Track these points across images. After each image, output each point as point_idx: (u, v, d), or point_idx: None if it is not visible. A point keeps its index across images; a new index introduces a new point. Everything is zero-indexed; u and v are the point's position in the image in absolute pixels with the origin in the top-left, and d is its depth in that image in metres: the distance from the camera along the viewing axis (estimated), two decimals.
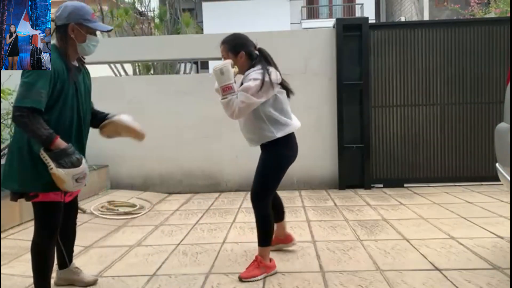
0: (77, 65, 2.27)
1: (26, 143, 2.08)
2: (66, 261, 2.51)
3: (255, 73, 2.46)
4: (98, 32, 2.25)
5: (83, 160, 2.11)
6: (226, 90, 2.41)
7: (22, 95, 1.97)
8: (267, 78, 2.42)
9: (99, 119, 2.44)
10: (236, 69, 2.51)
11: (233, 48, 2.54)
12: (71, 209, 2.44)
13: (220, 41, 2.61)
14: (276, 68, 2.57)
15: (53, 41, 2.14)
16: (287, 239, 3.05)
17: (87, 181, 2.14)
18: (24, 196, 2.12)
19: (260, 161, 2.65)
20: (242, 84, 2.50)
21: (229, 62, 2.46)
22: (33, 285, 2.25)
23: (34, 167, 2.07)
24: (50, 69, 2.02)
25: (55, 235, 2.20)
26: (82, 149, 2.26)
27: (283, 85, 2.59)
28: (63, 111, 2.12)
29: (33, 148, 2.06)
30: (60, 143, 2.01)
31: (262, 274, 2.58)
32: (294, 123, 2.63)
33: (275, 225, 2.86)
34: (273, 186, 2.66)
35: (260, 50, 2.60)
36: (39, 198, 2.11)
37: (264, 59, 2.56)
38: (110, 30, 2.31)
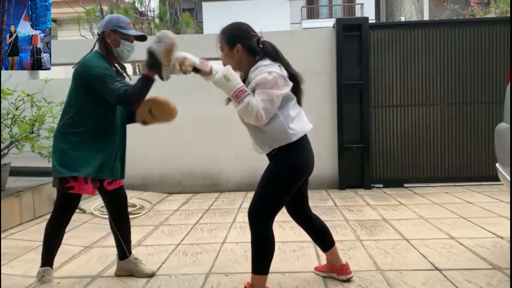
0: (117, 68, 2.51)
1: (58, 135, 2.39)
2: (125, 252, 2.68)
3: (268, 67, 2.10)
4: None
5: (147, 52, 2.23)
6: (240, 94, 2.04)
7: (111, 89, 2.24)
8: (282, 72, 2.12)
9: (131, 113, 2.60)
10: (239, 72, 2.23)
11: (228, 40, 2.16)
12: (121, 197, 2.64)
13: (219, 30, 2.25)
14: (287, 62, 2.24)
15: (96, 48, 2.45)
16: (343, 270, 2.49)
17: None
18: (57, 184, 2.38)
19: (264, 171, 2.23)
20: (244, 82, 2.15)
21: (229, 67, 2.13)
22: (33, 285, 2.42)
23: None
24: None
25: (64, 223, 2.46)
26: (123, 144, 2.55)
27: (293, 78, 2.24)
28: (106, 109, 2.39)
29: (62, 140, 2.36)
30: (146, 71, 2.25)
31: None
32: (306, 126, 2.23)
33: (326, 254, 2.53)
34: (277, 202, 2.18)
35: (263, 43, 2.19)
36: (74, 190, 2.36)
37: (265, 54, 2.16)
38: (142, 36, 2.48)
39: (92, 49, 2.45)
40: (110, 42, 2.40)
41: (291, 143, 2.12)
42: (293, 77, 2.21)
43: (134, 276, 2.69)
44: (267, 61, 2.13)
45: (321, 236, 2.49)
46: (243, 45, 2.15)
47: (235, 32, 2.18)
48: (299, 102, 2.27)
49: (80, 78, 2.33)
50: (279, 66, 2.15)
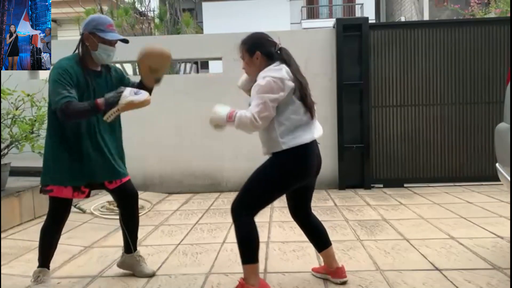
0: (98, 69, 2.44)
1: (48, 140, 2.38)
2: (130, 246, 2.69)
3: (264, 71, 2.21)
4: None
5: (121, 90, 2.22)
6: (231, 116, 2.17)
7: (53, 99, 2.20)
8: (277, 74, 2.16)
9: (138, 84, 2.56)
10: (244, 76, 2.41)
11: (248, 49, 2.30)
12: (128, 194, 2.63)
13: (240, 41, 2.39)
14: (297, 69, 2.30)
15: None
16: (338, 273, 2.48)
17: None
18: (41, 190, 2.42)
19: (258, 168, 2.28)
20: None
21: (215, 112, 2.28)
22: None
23: (51, 162, 2.37)
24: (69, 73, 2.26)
25: (56, 227, 2.48)
26: (103, 151, 2.45)
27: (300, 88, 2.26)
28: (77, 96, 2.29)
29: (53, 145, 2.36)
30: (101, 101, 2.19)
31: None
32: (310, 134, 2.25)
33: (320, 255, 2.56)
34: (262, 201, 2.26)
35: (281, 49, 2.31)
36: (53, 193, 2.38)
37: (283, 60, 2.27)
38: (121, 40, 2.43)
39: (74, 50, 2.39)
40: (88, 44, 2.34)
41: (287, 151, 2.19)
42: (300, 84, 2.25)
43: (134, 276, 2.69)
44: (272, 66, 2.23)
45: (317, 235, 2.51)
46: (262, 52, 2.28)
47: (254, 41, 2.33)
48: (310, 112, 2.28)
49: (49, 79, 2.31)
50: (281, 70, 2.20)
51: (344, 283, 2.47)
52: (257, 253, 2.24)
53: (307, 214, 2.51)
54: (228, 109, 2.22)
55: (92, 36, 2.32)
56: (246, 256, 2.24)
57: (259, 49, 2.28)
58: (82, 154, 2.38)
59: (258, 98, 2.13)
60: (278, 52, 2.30)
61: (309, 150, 2.25)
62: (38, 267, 2.48)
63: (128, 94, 2.18)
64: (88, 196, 2.57)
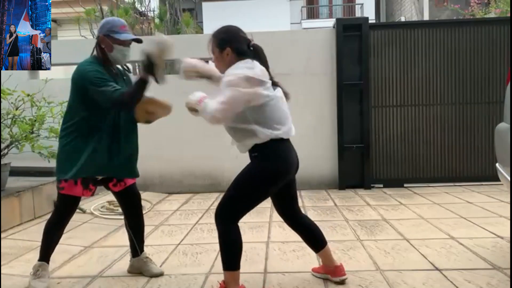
0: (114, 71, 2.52)
1: (65, 137, 2.43)
2: (137, 250, 2.71)
3: (235, 68, 2.12)
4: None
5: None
6: (199, 102, 2.16)
7: (105, 93, 2.27)
8: (249, 73, 2.06)
9: None
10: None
11: (218, 44, 2.20)
12: (132, 198, 2.67)
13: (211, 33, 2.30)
14: (267, 68, 2.21)
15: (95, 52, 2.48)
16: (337, 272, 2.46)
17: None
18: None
19: (240, 172, 2.26)
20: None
21: (192, 98, 2.25)
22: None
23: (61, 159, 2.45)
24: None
25: (61, 223, 2.54)
26: (120, 149, 2.50)
27: (276, 85, 2.22)
28: (105, 111, 2.40)
29: (70, 141, 2.41)
30: (142, 74, 2.27)
31: None
32: (286, 130, 2.19)
33: (318, 255, 2.56)
34: (245, 205, 2.22)
35: (254, 46, 2.22)
36: (64, 191, 2.44)
37: (255, 57, 2.18)
38: (134, 39, 2.49)
39: (92, 53, 2.48)
40: (104, 47, 2.42)
41: (266, 150, 2.15)
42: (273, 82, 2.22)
43: (134, 276, 2.69)
44: (247, 62, 2.14)
45: (311, 237, 2.49)
46: (232, 48, 2.18)
47: (224, 36, 2.23)
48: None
49: (75, 84, 2.37)
50: (253, 68, 2.11)
51: (343, 281, 2.46)
52: (238, 260, 2.22)
53: (295, 214, 2.48)
54: (199, 95, 2.20)
55: (107, 38, 2.40)
56: (227, 262, 2.22)
57: (230, 45, 2.18)
58: (103, 150, 2.44)
59: (227, 90, 2.05)
60: (251, 49, 2.21)
61: (286, 146, 2.22)
62: (39, 260, 2.55)
63: (148, 48, 2.22)
64: (93, 194, 2.62)
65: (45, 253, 2.55)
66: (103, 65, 2.42)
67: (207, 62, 2.55)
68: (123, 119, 2.51)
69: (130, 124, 2.57)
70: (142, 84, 2.27)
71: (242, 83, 2.04)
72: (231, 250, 2.21)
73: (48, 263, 2.56)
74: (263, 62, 2.21)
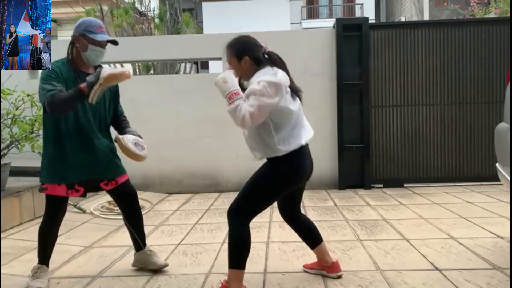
0: (91, 72, 2.46)
1: (44, 140, 2.48)
2: (140, 244, 2.75)
3: (259, 74, 2.19)
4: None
5: (100, 69, 2.29)
6: (231, 96, 2.12)
7: (40, 98, 2.31)
8: (272, 79, 2.12)
9: (120, 129, 2.70)
10: (238, 78, 2.27)
11: (236, 53, 2.28)
12: (127, 195, 2.69)
13: (226, 43, 2.38)
14: (287, 72, 2.28)
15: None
16: (333, 268, 2.54)
17: None
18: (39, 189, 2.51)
19: (254, 173, 2.30)
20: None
21: (230, 71, 2.23)
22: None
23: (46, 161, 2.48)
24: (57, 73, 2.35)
25: (53, 224, 2.57)
26: (92, 149, 2.50)
27: (294, 89, 2.28)
28: (69, 114, 2.40)
29: (47, 144, 2.47)
30: (83, 85, 2.21)
31: None
32: (304, 137, 2.26)
33: (314, 251, 2.58)
34: (258, 206, 2.28)
35: (269, 54, 2.28)
36: (47, 191, 2.46)
37: (272, 64, 2.24)
38: (110, 41, 2.48)
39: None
40: (78, 46, 2.42)
41: (282, 156, 2.19)
42: (293, 89, 2.27)
43: (134, 276, 2.69)
44: (265, 69, 2.20)
45: (308, 234, 2.57)
46: (250, 56, 2.25)
47: (242, 45, 2.31)
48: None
49: None
50: (276, 74, 2.16)
51: (340, 276, 2.52)
52: (245, 260, 2.26)
53: (296, 214, 2.56)
54: (234, 88, 2.15)
55: (82, 38, 2.39)
56: (234, 260, 2.25)
57: (248, 54, 2.26)
58: (74, 152, 2.44)
59: (252, 99, 2.10)
60: (266, 56, 2.27)
61: (303, 153, 2.27)
62: (38, 263, 2.57)
63: (108, 69, 2.25)
64: (84, 195, 2.60)
65: (43, 256, 2.57)
66: (73, 66, 2.42)
67: (206, 62, 2.54)
68: (85, 118, 2.46)
69: (97, 123, 2.54)
70: (77, 94, 2.21)
71: (268, 90, 2.10)
72: (239, 249, 2.25)
73: (47, 265, 2.57)
74: (281, 67, 2.26)
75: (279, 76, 2.16)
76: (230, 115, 2.15)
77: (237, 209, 2.27)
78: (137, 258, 2.79)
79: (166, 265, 2.77)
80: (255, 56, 2.26)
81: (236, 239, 2.25)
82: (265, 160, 2.32)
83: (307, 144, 2.31)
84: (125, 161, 2.66)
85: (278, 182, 2.24)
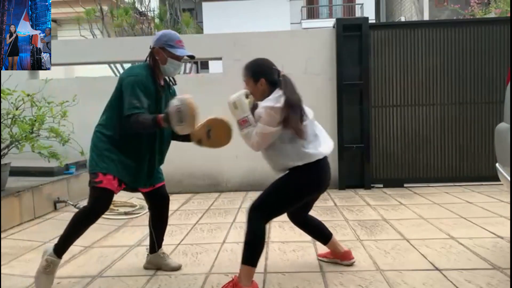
0: (162, 84, 2.58)
1: (104, 133, 2.47)
2: (155, 246, 2.79)
3: (266, 100, 2.32)
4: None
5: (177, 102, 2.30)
6: (242, 124, 2.33)
7: (128, 106, 2.31)
8: (276, 104, 2.25)
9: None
10: (251, 98, 2.39)
11: (253, 75, 2.41)
12: (160, 197, 2.74)
13: (244, 66, 2.49)
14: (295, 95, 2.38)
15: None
16: (345, 256, 2.76)
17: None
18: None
19: (277, 179, 2.43)
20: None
21: (242, 92, 2.36)
22: (33, 285, 2.44)
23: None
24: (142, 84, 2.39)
25: (93, 220, 2.50)
26: (161, 158, 2.66)
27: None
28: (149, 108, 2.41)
29: (111, 139, 2.45)
30: (161, 118, 2.27)
31: None
32: (321, 150, 2.41)
33: (327, 247, 2.78)
34: (278, 211, 2.42)
35: (283, 77, 2.41)
36: (102, 184, 2.43)
37: (284, 87, 2.35)
38: (190, 56, 2.59)
39: (145, 61, 2.53)
40: (158, 59, 2.48)
41: (301, 166, 2.33)
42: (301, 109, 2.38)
43: (134, 276, 2.69)
44: (275, 93, 2.34)
45: (318, 233, 2.79)
46: (266, 79, 2.39)
47: (259, 68, 2.43)
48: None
49: (120, 82, 2.43)
50: (281, 98, 2.27)
51: (352, 264, 2.73)
52: (258, 258, 2.34)
53: (305, 218, 2.75)
54: (244, 115, 2.33)
55: (162, 51, 2.47)
56: (248, 257, 2.32)
57: (264, 76, 2.39)
58: (137, 161, 2.49)
59: (259, 128, 2.29)
60: (280, 79, 2.39)
61: (323, 165, 2.41)
62: (54, 254, 2.47)
63: (187, 105, 2.26)
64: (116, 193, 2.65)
65: (63, 249, 2.49)
66: (153, 76, 2.48)
67: (206, 62, 2.59)
68: (166, 131, 2.55)
69: (168, 138, 2.64)
70: (154, 125, 2.29)
71: (272, 115, 2.25)
72: (256, 247, 2.34)
73: (60, 259, 2.52)
74: (292, 90, 2.36)
75: (282, 100, 2.27)
76: (243, 139, 2.38)
77: (259, 209, 2.35)
78: (150, 260, 2.82)
79: (180, 267, 2.80)
80: (271, 79, 2.40)
81: (253, 236, 2.33)
82: None
83: (325, 159, 2.44)
84: None
85: (299, 191, 2.38)
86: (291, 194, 2.38)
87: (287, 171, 2.40)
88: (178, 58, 2.50)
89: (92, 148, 2.48)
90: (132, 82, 2.35)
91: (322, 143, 2.46)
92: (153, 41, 2.51)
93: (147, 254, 2.84)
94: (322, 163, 2.40)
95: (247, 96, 2.37)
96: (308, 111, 2.44)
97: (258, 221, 2.33)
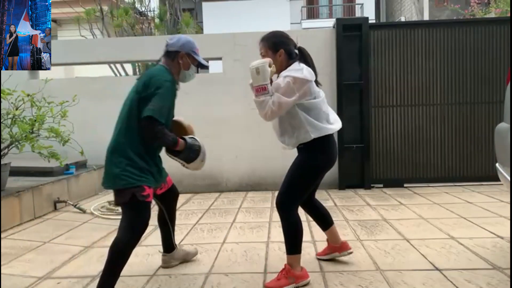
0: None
1: (138, 141, 2.32)
2: (173, 243, 2.85)
3: (287, 71, 2.35)
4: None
5: (198, 142, 2.57)
6: (259, 90, 2.32)
7: (159, 111, 2.25)
8: (298, 75, 2.29)
9: None
10: (273, 68, 2.37)
11: (272, 46, 2.43)
12: (173, 193, 2.81)
13: (260, 38, 2.50)
14: (313, 68, 2.44)
15: (161, 62, 2.53)
16: (343, 247, 2.79)
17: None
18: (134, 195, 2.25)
19: (292, 165, 2.47)
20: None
21: (267, 61, 2.34)
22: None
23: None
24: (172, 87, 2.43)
25: (140, 237, 2.31)
26: (160, 160, 2.61)
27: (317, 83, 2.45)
28: (168, 122, 2.47)
29: (144, 148, 2.34)
30: (182, 143, 2.42)
31: (291, 284, 2.40)
32: (333, 126, 2.45)
33: (325, 233, 2.82)
34: (302, 194, 2.48)
35: (300, 49, 2.48)
36: (150, 198, 2.33)
37: (303, 59, 2.43)
38: (207, 67, 2.68)
39: (157, 62, 2.53)
40: (181, 63, 2.50)
41: (314, 142, 2.37)
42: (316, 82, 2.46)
43: (134, 276, 2.69)
44: (295, 65, 2.37)
45: (321, 217, 2.79)
46: (285, 49, 2.43)
47: (278, 39, 2.46)
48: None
49: (155, 84, 2.29)
50: (301, 70, 2.33)
51: (350, 253, 2.78)
52: (301, 244, 2.47)
53: (313, 201, 2.77)
54: (264, 82, 2.31)
55: (188, 57, 2.51)
56: (293, 247, 2.46)
57: (283, 47, 2.42)
58: (157, 160, 2.50)
59: (276, 97, 2.30)
60: (297, 51, 2.44)
61: (332, 141, 2.47)
62: None
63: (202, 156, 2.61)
64: None
65: (112, 278, 2.24)
66: (175, 82, 2.51)
67: (207, 62, 2.64)
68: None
69: None
70: (173, 144, 2.39)
71: (291, 86, 2.28)
72: (295, 235, 2.46)
73: None
74: (309, 62, 2.45)
75: (305, 72, 2.32)
76: (256, 105, 2.37)
77: (285, 202, 2.45)
78: (174, 256, 2.85)
79: (197, 252, 2.99)
80: (289, 50, 2.43)
81: (293, 228, 2.44)
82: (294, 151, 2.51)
83: (332, 135, 2.47)
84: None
85: (314, 170, 2.44)
86: (312, 171, 2.43)
87: (301, 148, 2.44)
88: (202, 67, 2.55)
89: (121, 161, 2.26)
90: (170, 89, 2.36)
91: (333, 120, 2.49)
92: (175, 45, 2.48)
93: (163, 254, 2.84)
94: (332, 138, 2.47)
95: (269, 65, 2.34)
96: (321, 90, 2.49)
97: (290, 210, 2.43)
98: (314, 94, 2.39)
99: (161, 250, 2.88)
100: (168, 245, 2.84)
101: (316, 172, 2.46)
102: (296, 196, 2.46)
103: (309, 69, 2.37)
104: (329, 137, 2.43)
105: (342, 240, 2.80)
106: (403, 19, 18.79)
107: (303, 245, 3.04)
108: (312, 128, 2.36)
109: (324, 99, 2.48)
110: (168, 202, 2.79)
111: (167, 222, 2.80)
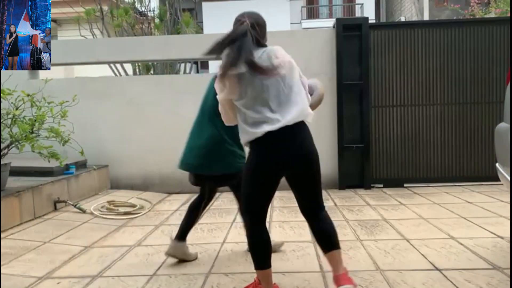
0: None
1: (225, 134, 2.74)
2: (186, 234, 2.92)
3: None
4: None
5: None
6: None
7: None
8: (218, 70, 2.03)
9: None
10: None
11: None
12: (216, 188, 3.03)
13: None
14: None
15: None
16: (335, 280, 2.13)
17: None
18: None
19: None
20: None
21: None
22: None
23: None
24: None
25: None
26: None
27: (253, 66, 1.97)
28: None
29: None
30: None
31: None
32: (266, 126, 2.00)
33: (325, 256, 2.20)
34: (247, 199, 2.14)
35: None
36: None
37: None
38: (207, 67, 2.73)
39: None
40: None
41: (251, 143, 2.08)
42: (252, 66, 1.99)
43: (134, 276, 2.69)
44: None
45: (321, 238, 2.21)
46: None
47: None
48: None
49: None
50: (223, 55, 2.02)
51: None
52: (261, 260, 2.13)
53: (314, 213, 2.24)
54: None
55: None
56: (253, 261, 2.16)
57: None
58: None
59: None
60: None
61: (268, 137, 2.00)
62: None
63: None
64: None
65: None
66: None
67: (206, 62, 2.59)
68: None
69: None
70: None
71: (218, 85, 2.14)
72: (251, 251, 2.17)
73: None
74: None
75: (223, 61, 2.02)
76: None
77: (242, 212, 2.37)
78: (176, 247, 2.88)
79: (196, 257, 3.00)
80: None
81: (249, 242, 2.19)
82: None
83: (279, 131, 2.00)
84: (126, 162, 2.66)
85: (249, 171, 2.11)
86: (247, 175, 2.11)
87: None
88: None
89: (233, 151, 2.73)
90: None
91: (274, 118, 2.04)
92: None
93: (173, 239, 2.90)
94: (262, 140, 2.03)
95: None
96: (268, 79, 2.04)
97: (246, 221, 2.23)
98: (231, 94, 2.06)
99: (173, 236, 2.95)
100: (183, 232, 2.91)
101: (250, 174, 2.10)
102: (245, 205, 2.16)
103: (226, 55, 1.99)
104: (263, 138, 2.01)
105: (338, 273, 2.13)
106: (403, 19, 18.80)
107: (303, 244, 3.03)
108: (241, 132, 2.12)
109: (261, 86, 2.01)
110: (211, 194, 2.98)
111: (198, 210, 2.93)
